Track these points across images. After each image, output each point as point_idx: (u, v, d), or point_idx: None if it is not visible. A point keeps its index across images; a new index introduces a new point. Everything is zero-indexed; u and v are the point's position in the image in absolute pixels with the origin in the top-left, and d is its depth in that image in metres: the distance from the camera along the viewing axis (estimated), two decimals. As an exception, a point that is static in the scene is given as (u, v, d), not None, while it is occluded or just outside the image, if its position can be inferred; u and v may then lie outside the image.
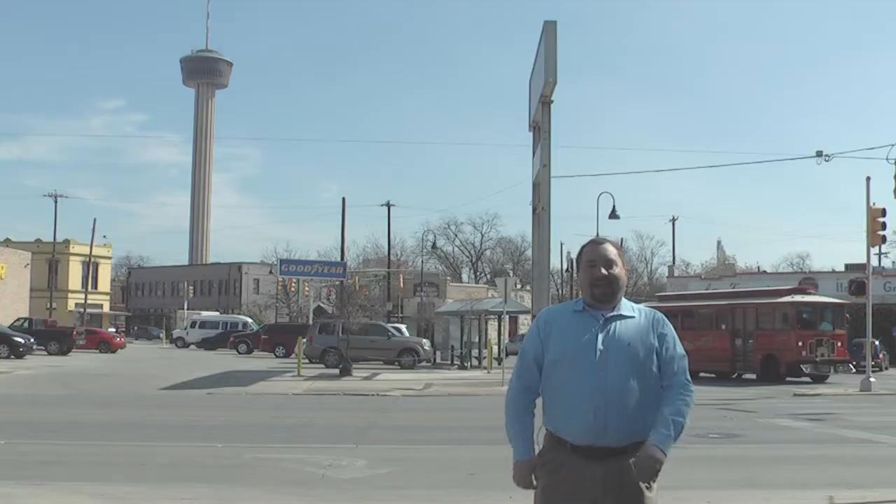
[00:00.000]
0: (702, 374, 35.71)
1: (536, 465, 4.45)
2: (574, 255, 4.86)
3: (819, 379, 34.46)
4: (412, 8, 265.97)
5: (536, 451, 4.49)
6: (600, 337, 4.35)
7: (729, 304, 39.10)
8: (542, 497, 4.43)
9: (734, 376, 37.08)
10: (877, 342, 48.42)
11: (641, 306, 4.62)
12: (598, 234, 60.60)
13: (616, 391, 4.27)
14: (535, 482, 4.44)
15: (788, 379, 33.93)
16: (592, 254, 4.53)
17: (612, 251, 4.53)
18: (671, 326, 4.53)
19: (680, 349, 4.48)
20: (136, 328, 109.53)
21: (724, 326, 38.20)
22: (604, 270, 4.46)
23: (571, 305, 4.59)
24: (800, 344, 34.31)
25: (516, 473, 4.43)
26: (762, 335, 36.21)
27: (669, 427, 4.31)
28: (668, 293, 46.04)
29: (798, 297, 36.87)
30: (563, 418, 4.35)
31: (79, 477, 11.66)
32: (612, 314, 4.43)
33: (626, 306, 4.50)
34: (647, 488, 4.33)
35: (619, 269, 4.50)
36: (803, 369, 34.37)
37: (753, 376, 35.85)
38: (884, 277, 60.02)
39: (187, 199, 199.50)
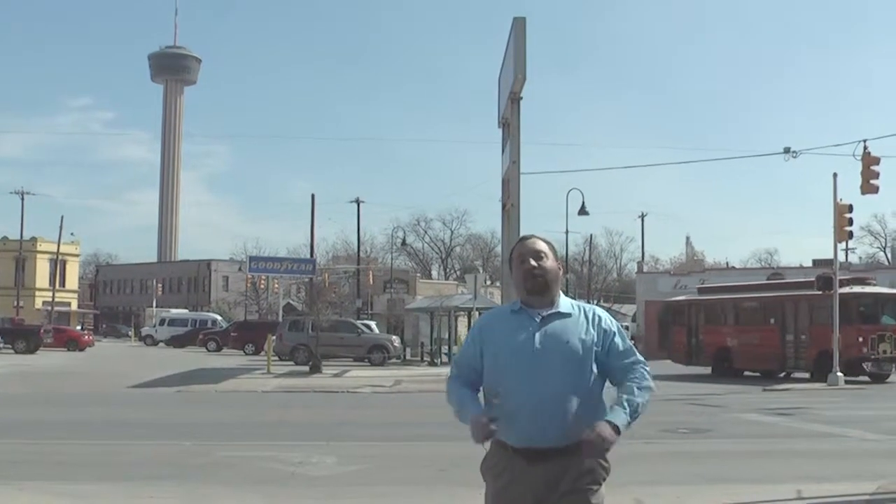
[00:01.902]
0: (746, 373, 34.40)
1: (482, 471, 4.43)
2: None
3: (879, 378, 31.67)
4: (383, 6, 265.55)
5: (484, 454, 4.41)
6: (537, 336, 4.27)
7: (778, 296, 35.41)
8: (491, 501, 4.38)
9: (781, 375, 34.10)
10: None
11: (580, 303, 4.54)
12: (566, 230, 60.84)
13: (553, 391, 4.19)
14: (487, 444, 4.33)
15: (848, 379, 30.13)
16: (521, 248, 4.48)
17: (540, 244, 4.47)
18: (614, 321, 4.44)
19: (628, 341, 4.42)
20: (104, 326, 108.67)
21: (772, 321, 34.62)
22: (533, 261, 4.38)
23: (509, 307, 4.53)
24: (860, 340, 31.27)
25: (472, 428, 4.21)
26: (817, 330, 32.22)
27: (624, 406, 4.20)
28: (708, 285, 42.10)
29: (857, 289, 33.53)
30: (503, 421, 4.20)
31: (45, 477, 11.54)
32: (549, 312, 4.35)
33: (563, 304, 4.41)
34: (595, 487, 4.25)
35: (549, 262, 4.41)
36: (864, 367, 31.42)
37: (807, 375, 32.76)
38: (851, 273, 60.56)
39: (156, 196, 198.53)
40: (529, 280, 4.37)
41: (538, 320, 4.32)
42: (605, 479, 4.31)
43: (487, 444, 4.34)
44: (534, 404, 4.17)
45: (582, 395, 4.22)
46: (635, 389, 4.26)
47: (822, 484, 11.13)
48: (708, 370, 36.14)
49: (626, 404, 4.21)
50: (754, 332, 34.99)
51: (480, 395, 4.46)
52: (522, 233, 21.56)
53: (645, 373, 4.34)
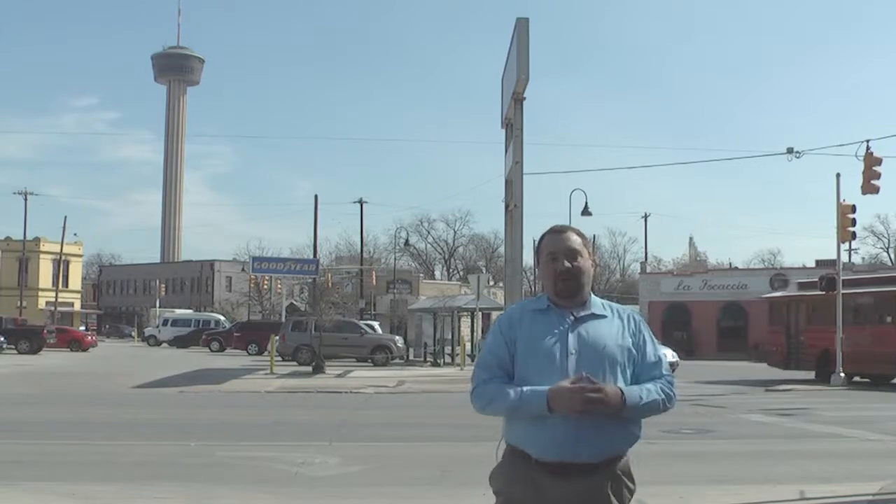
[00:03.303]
0: (855, 379, 31.23)
1: (492, 481, 4.01)
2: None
3: None
4: (386, 5, 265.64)
5: (496, 463, 4.03)
6: (571, 338, 3.86)
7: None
8: None
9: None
10: None
11: (613, 303, 4.14)
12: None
13: None
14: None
15: None
16: (553, 244, 4.02)
17: (575, 240, 4.02)
18: (647, 327, 4.06)
19: (660, 350, 4.05)
20: (107, 326, 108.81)
21: (889, 319, 30.73)
22: (567, 263, 3.95)
23: (531, 304, 4.09)
24: None
25: (553, 400, 3.70)
26: None
27: (643, 390, 3.82)
28: (807, 280, 37.41)
29: None
30: (528, 430, 3.82)
31: (48, 477, 11.55)
32: (583, 313, 3.95)
33: (596, 304, 4.02)
34: None
35: (584, 261, 3.99)
36: None
37: None
38: (854, 273, 60.51)
39: (159, 196, 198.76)
40: (560, 283, 3.96)
41: (570, 321, 3.92)
42: (629, 502, 3.94)
43: (500, 454, 4.00)
44: (566, 415, 3.73)
45: None
46: (660, 387, 3.87)
47: (825, 484, 11.12)
48: (810, 375, 32.63)
49: (644, 390, 3.83)
50: (865, 332, 30.91)
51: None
52: (525, 233, 21.44)
53: (671, 384, 3.95)
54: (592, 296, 4.04)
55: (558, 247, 4.00)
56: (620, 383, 3.82)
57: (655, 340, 4.06)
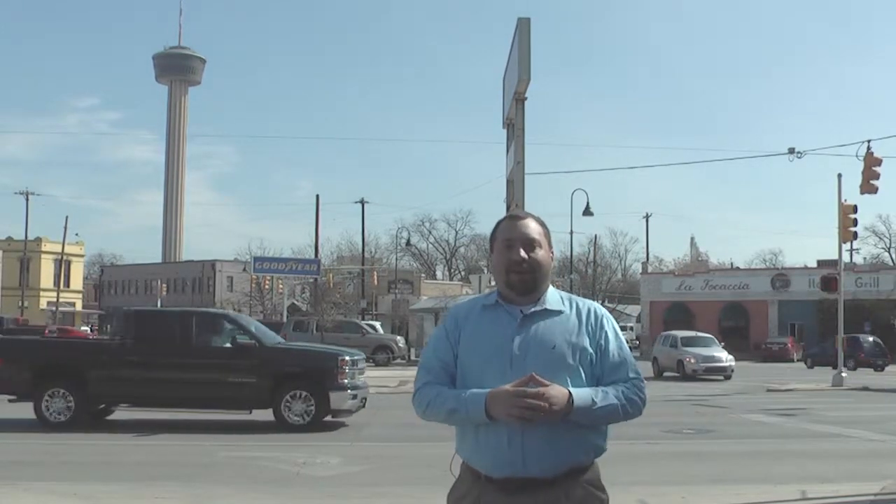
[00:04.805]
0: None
1: (448, 496, 3.63)
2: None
3: None
4: (387, 5, 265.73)
5: (453, 480, 3.63)
6: (517, 339, 3.38)
7: None
8: None
9: None
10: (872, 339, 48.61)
11: (574, 297, 3.62)
12: (571, 230, 60.63)
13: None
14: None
15: None
16: (509, 231, 3.55)
17: (534, 228, 3.54)
18: (612, 322, 3.55)
19: (627, 350, 3.54)
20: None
21: None
22: (523, 252, 3.47)
23: (482, 300, 3.64)
24: None
25: (491, 405, 3.27)
26: None
27: (597, 393, 3.33)
28: None
29: None
30: (474, 445, 3.42)
31: (50, 477, 11.57)
32: (533, 309, 3.47)
33: (552, 298, 3.52)
34: None
35: (542, 253, 3.52)
36: None
37: None
38: (855, 273, 60.55)
39: (160, 196, 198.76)
40: (514, 274, 3.48)
41: (518, 319, 3.44)
42: None
43: (456, 471, 3.61)
44: (510, 426, 3.29)
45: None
46: (621, 390, 3.39)
47: (826, 484, 11.13)
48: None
49: (600, 392, 3.35)
50: None
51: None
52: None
53: (638, 388, 3.45)
54: (551, 288, 3.57)
55: (514, 234, 3.53)
56: (575, 387, 3.33)
57: (621, 337, 3.55)
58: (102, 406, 17.46)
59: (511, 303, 3.50)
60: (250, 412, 17.00)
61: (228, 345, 17.12)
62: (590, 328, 3.47)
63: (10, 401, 17.03)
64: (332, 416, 16.72)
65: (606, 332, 3.49)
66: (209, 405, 17.12)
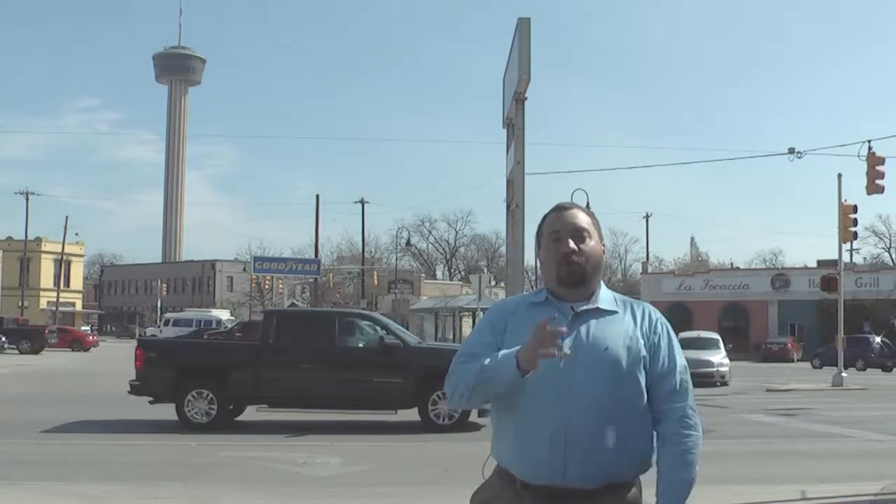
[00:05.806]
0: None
1: (472, 498, 3.40)
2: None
3: None
4: (387, 6, 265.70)
5: (483, 479, 3.40)
6: (567, 338, 3.10)
7: None
8: None
9: None
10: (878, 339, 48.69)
11: (628, 298, 3.45)
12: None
13: (583, 413, 3.13)
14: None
15: None
16: (556, 222, 3.34)
17: (582, 219, 3.37)
18: (668, 326, 3.36)
19: (681, 360, 3.34)
20: (114, 327, 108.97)
21: None
22: (573, 244, 3.29)
23: (529, 296, 3.43)
24: None
25: (522, 358, 3.06)
26: None
27: (679, 497, 3.33)
28: None
29: None
30: (513, 447, 3.22)
31: (51, 476, 11.56)
32: (585, 307, 3.28)
33: (605, 297, 3.34)
34: None
35: (592, 244, 3.34)
36: None
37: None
38: (855, 273, 60.58)
39: (160, 196, 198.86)
40: (564, 267, 3.28)
41: (570, 317, 3.23)
42: None
43: (488, 473, 3.38)
44: (556, 428, 3.12)
45: (621, 421, 3.19)
46: (689, 457, 3.41)
47: (826, 484, 11.12)
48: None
49: (677, 489, 3.41)
50: None
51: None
52: (527, 234, 21.42)
53: (692, 414, 3.41)
54: (603, 287, 3.39)
55: (562, 225, 3.33)
56: (626, 393, 3.20)
57: (675, 344, 3.37)
58: (231, 407, 17.31)
59: (562, 300, 3.31)
60: (395, 413, 17.12)
61: (374, 345, 17.24)
62: (644, 330, 3.30)
63: (150, 402, 17.11)
64: (479, 416, 16.08)
65: (660, 337, 3.31)
66: (354, 406, 17.17)
